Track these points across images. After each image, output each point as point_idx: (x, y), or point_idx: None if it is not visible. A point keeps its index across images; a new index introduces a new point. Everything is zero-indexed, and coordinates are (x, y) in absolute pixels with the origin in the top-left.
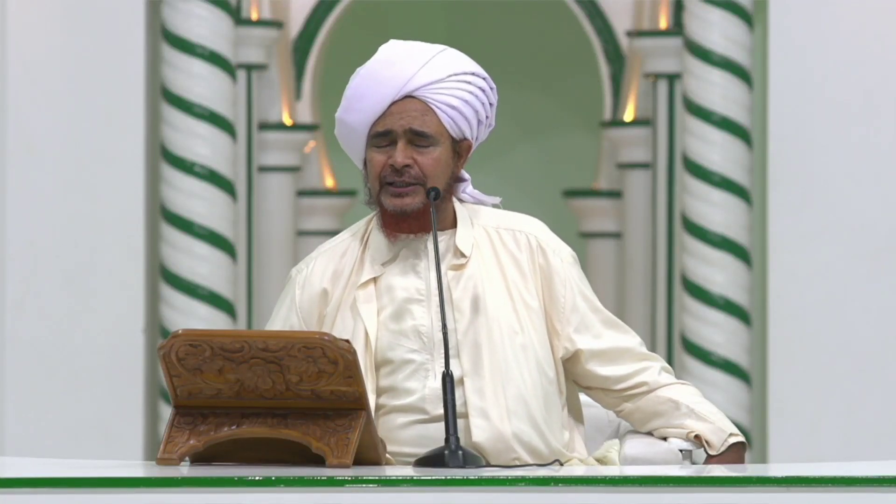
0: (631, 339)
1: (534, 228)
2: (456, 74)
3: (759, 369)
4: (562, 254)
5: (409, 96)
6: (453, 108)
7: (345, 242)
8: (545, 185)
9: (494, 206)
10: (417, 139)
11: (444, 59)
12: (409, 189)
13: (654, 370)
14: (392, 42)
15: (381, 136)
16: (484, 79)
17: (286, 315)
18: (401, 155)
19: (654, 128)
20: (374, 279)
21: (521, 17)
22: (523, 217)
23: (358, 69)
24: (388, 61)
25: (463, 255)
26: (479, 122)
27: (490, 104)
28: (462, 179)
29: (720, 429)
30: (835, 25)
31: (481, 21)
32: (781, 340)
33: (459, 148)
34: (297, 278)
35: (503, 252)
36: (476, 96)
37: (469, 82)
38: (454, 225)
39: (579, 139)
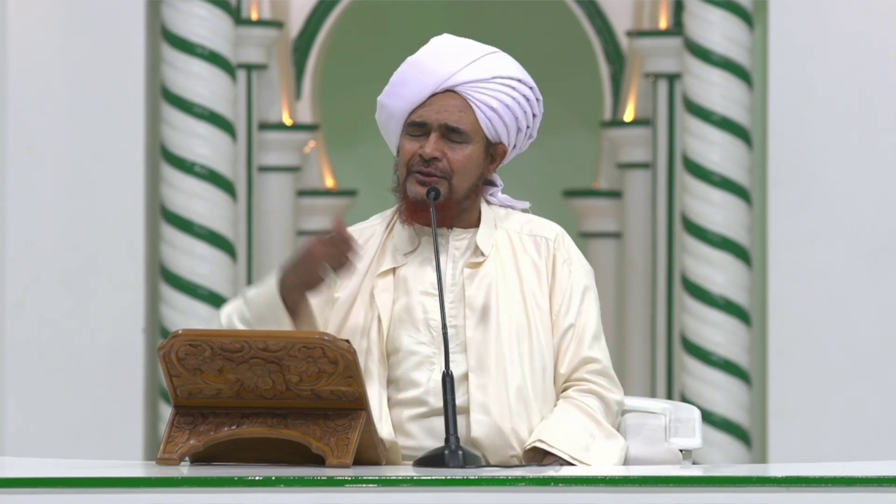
0: (602, 357)
1: (555, 235)
2: (501, 77)
3: (759, 369)
4: (571, 265)
5: (450, 90)
6: (492, 109)
7: (371, 228)
8: (545, 185)
9: (524, 210)
10: (451, 134)
11: (492, 60)
12: (433, 179)
13: (583, 386)
14: (445, 35)
15: (415, 126)
16: (531, 88)
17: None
18: (430, 146)
19: (654, 128)
20: (394, 269)
21: (521, 17)
22: (548, 224)
23: (409, 57)
24: (437, 53)
25: (482, 254)
26: (519, 129)
27: (533, 115)
28: (493, 184)
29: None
30: (835, 25)
31: (481, 21)
32: (781, 340)
33: (494, 151)
34: None
35: (523, 256)
36: (518, 103)
37: (514, 88)
38: (478, 224)
39: (579, 139)
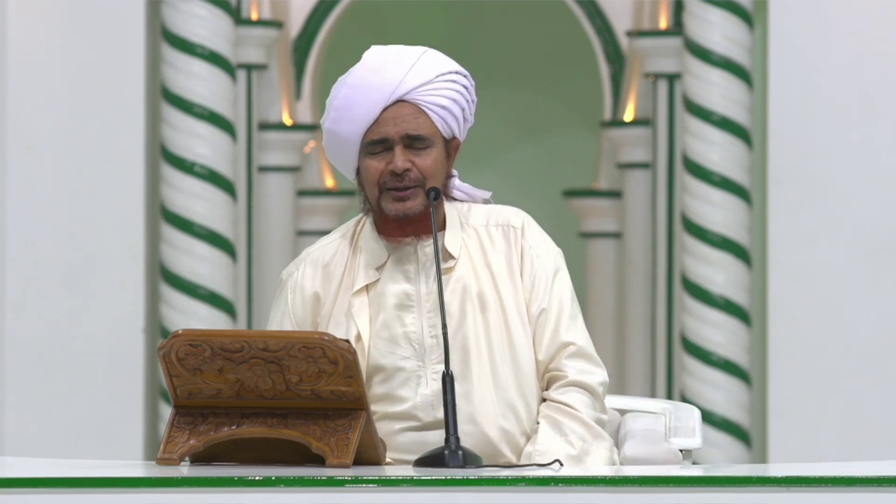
0: (578, 338)
1: (520, 223)
2: (443, 74)
3: (759, 369)
4: (537, 250)
5: (400, 101)
6: (443, 108)
7: (334, 244)
8: (545, 185)
9: (486, 200)
10: (414, 142)
11: (428, 60)
12: (409, 192)
13: (563, 381)
14: (374, 48)
15: (376, 143)
16: (465, 76)
17: (280, 320)
18: (400, 160)
19: (654, 128)
20: (367, 286)
21: (521, 17)
22: (512, 211)
23: (341, 78)
24: (375, 68)
25: (451, 257)
26: (465, 119)
27: (472, 101)
28: (450, 176)
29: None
30: (835, 25)
31: (481, 21)
32: (781, 340)
33: (449, 147)
34: (288, 282)
35: (491, 251)
36: (462, 94)
37: (455, 81)
38: (443, 227)
39: (579, 139)
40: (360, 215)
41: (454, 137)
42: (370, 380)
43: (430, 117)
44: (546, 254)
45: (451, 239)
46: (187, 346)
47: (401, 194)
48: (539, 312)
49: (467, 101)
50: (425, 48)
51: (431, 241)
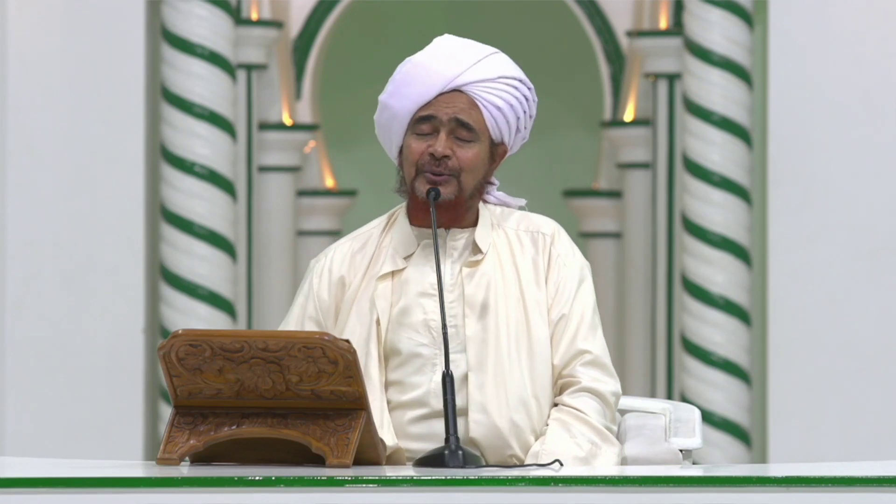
0: (595, 348)
1: (551, 231)
2: (505, 77)
3: (759, 369)
4: (565, 258)
5: (457, 90)
6: (498, 108)
7: (367, 233)
8: (545, 185)
9: (521, 207)
10: (460, 131)
11: (495, 60)
12: (443, 178)
13: (576, 387)
14: (447, 36)
15: (423, 122)
16: (529, 89)
17: (303, 303)
18: (441, 145)
19: (654, 128)
20: (393, 273)
21: (521, 17)
22: (544, 220)
23: (409, 57)
24: (442, 53)
25: (480, 251)
26: (518, 130)
27: (529, 116)
28: (491, 183)
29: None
30: (835, 25)
31: (481, 21)
32: (781, 340)
33: (496, 151)
34: (315, 268)
35: (521, 254)
36: (520, 103)
37: (516, 88)
38: (475, 224)
39: (579, 139)
40: (394, 209)
41: (502, 143)
42: (386, 364)
43: (482, 113)
44: (573, 264)
45: (482, 234)
46: (187, 346)
47: (434, 178)
48: (559, 318)
49: (525, 112)
50: (497, 50)
51: (460, 234)
